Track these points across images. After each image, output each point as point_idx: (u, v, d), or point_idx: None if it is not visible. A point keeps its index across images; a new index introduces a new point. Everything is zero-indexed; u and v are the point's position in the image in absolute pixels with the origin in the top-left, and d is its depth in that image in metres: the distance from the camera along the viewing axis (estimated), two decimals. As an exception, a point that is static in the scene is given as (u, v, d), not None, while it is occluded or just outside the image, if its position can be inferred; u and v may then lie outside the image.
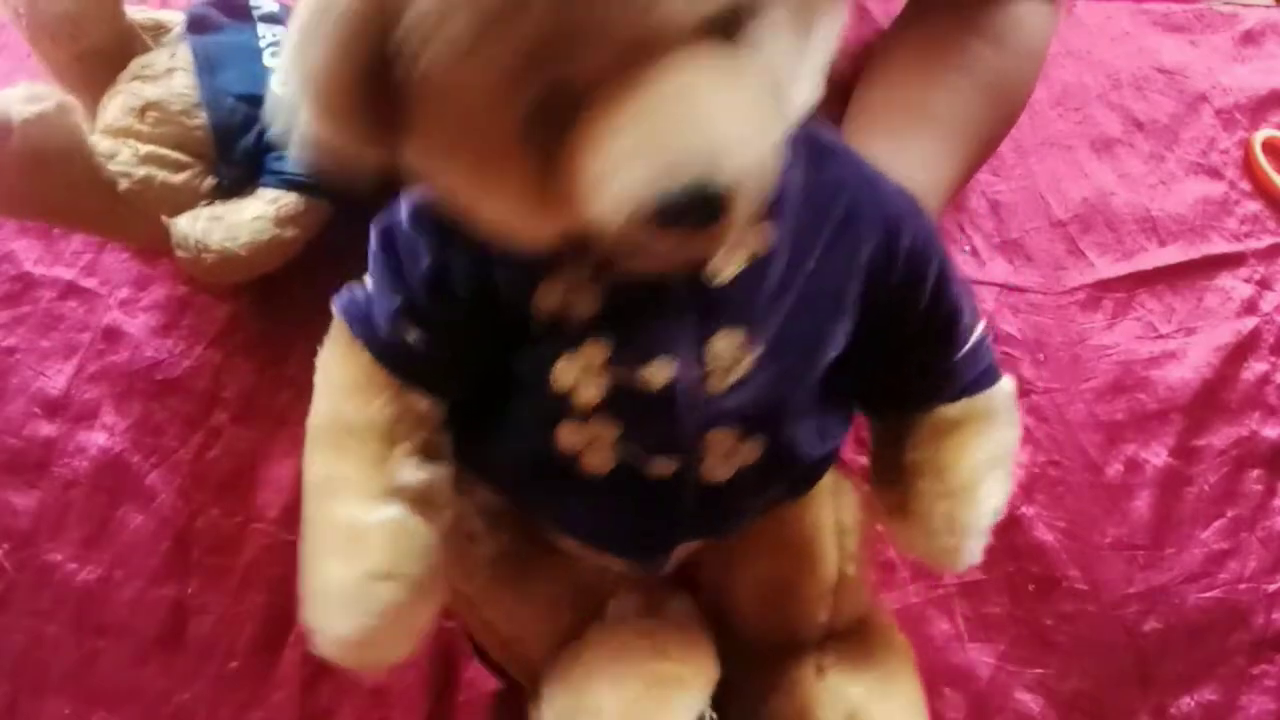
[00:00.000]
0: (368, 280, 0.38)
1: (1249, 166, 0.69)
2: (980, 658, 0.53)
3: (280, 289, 0.56)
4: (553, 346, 0.36)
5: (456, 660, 0.51)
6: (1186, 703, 0.53)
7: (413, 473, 0.38)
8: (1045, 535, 0.56)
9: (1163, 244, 0.66)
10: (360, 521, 0.37)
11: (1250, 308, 0.64)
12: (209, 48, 0.54)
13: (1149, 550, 0.56)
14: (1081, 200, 0.67)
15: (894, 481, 0.41)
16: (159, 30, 0.55)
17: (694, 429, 0.36)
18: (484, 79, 0.26)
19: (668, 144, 0.24)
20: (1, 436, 0.56)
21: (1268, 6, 0.77)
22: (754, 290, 0.34)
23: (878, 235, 0.36)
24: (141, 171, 0.51)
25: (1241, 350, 0.62)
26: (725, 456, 0.37)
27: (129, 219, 0.52)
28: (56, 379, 0.58)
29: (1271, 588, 0.56)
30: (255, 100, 0.53)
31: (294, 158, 0.45)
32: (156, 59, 0.53)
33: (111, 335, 0.59)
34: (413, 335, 0.37)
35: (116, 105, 0.52)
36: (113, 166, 0.50)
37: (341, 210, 0.54)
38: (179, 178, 0.52)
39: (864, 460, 0.45)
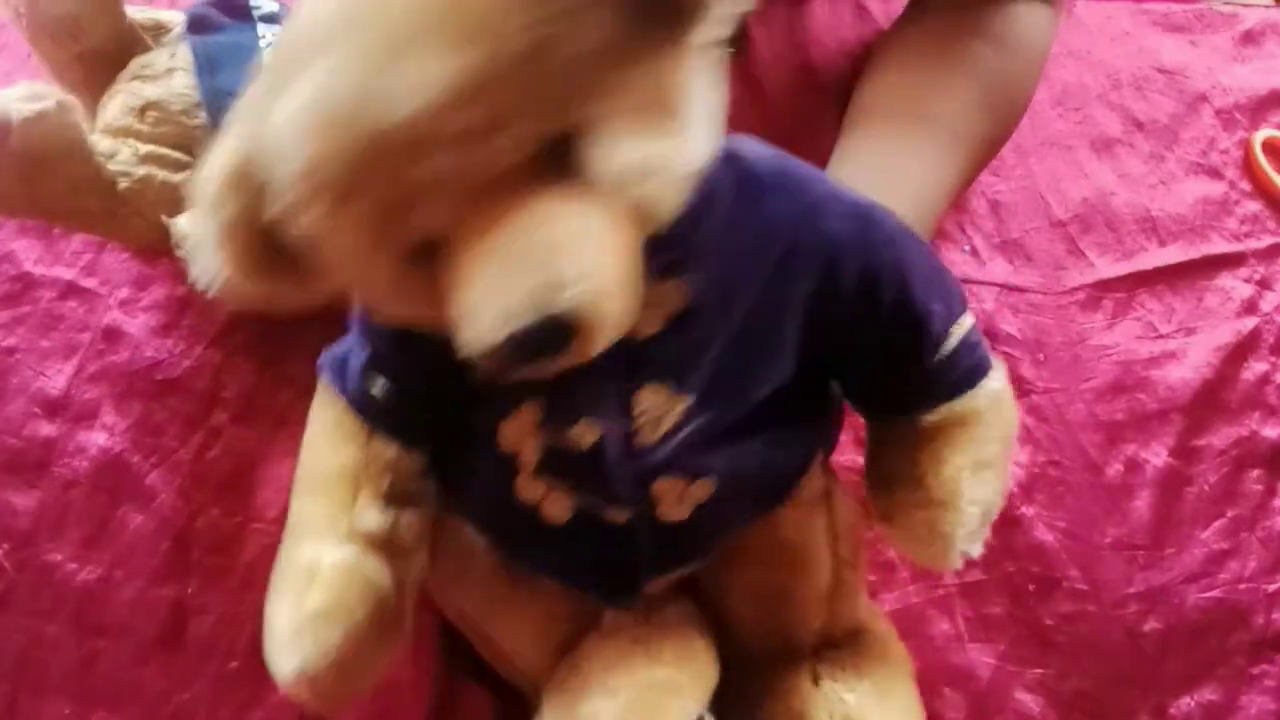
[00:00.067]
0: (351, 331, 0.40)
1: (1249, 166, 0.69)
2: (980, 658, 0.53)
3: (280, 289, 0.56)
4: (495, 407, 0.37)
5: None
6: (1186, 703, 0.53)
7: (375, 517, 0.39)
8: (1045, 535, 0.56)
9: (1163, 244, 0.66)
10: (315, 563, 0.39)
11: (1250, 308, 0.64)
12: (209, 48, 0.54)
13: (1149, 550, 0.56)
14: (1081, 200, 0.67)
15: (880, 488, 0.41)
16: (159, 30, 0.55)
17: (634, 482, 0.37)
18: (353, 240, 0.28)
19: (509, 285, 0.26)
20: (1, 436, 0.56)
21: (1268, 6, 0.77)
22: (679, 343, 0.35)
23: (819, 269, 0.36)
24: (141, 171, 0.51)
25: (1241, 350, 0.62)
26: (678, 500, 0.38)
27: (129, 219, 0.52)
28: (56, 379, 0.58)
29: (1271, 588, 0.56)
30: (255, 100, 0.53)
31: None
32: (156, 59, 0.53)
33: (111, 335, 0.59)
34: (379, 386, 0.39)
35: (116, 105, 0.52)
36: (113, 166, 0.50)
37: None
38: (179, 178, 0.52)
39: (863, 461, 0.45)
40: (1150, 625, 0.54)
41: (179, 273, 0.59)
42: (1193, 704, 0.53)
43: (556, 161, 0.27)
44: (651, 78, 0.28)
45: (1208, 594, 0.55)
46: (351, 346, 0.40)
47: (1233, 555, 0.56)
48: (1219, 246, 0.66)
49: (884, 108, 0.56)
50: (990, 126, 0.56)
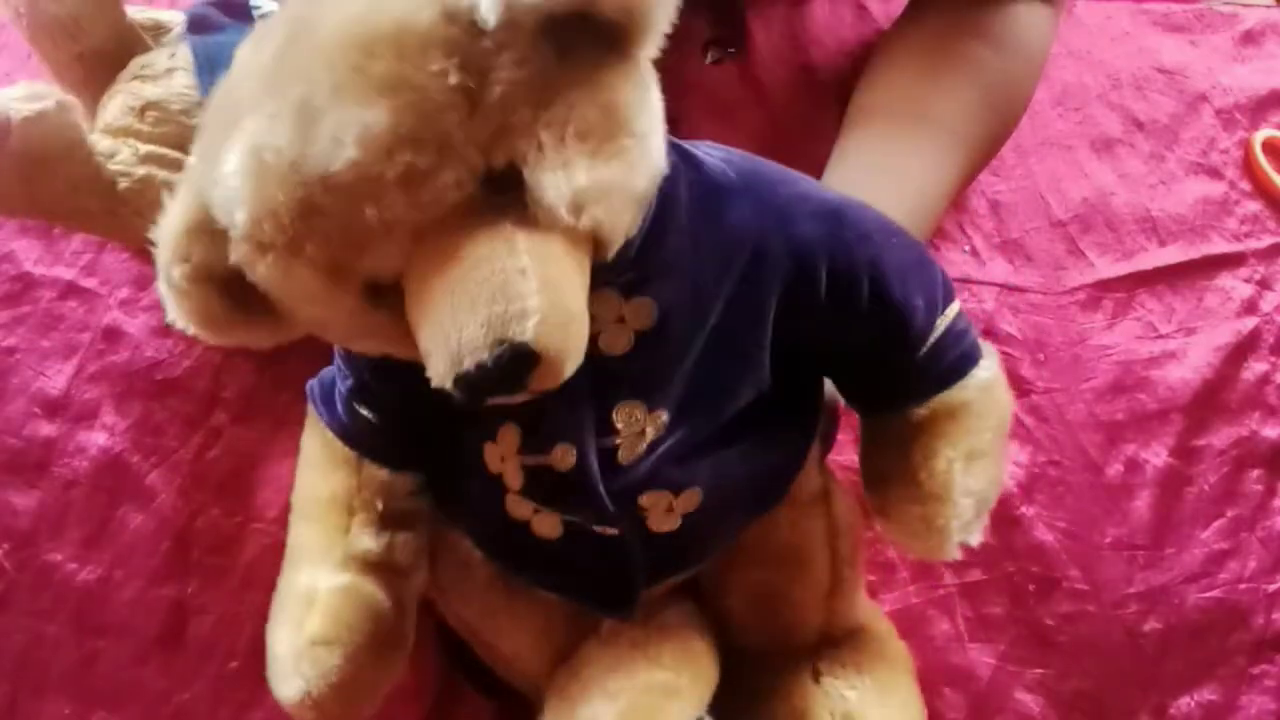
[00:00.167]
0: (336, 360, 0.41)
1: (1249, 166, 0.69)
2: (980, 658, 0.53)
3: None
4: (479, 432, 0.38)
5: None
6: (1186, 703, 0.53)
7: (370, 541, 0.40)
8: (1045, 535, 0.56)
9: (1163, 244, 0.66)
10: (313, 589, 0.39)
11: (1250, 308, 0.64)
12: (209, 48, 0.54)
13: (1149, 550, 0.56)
14: (1081, 200, 0.67)
15: (875, 483, 0.41)
16: (159, 30, 0.55)
17: (620, 498, 0.37)
18: (310, 285, 0.28)
19: (464, 320, 0.26)
20: (1, 436, 0.56)
21: (1268, 6, 0.77)
22: (650, 360, 0.35)
23: (789, 273, 0.35)
24: (141, 171, 0.51)
25: (1241, 350, 0.62)
26: (666, 512, 0.38)
27: (129, 219, 0.51)
28: (56, 379, 0.58)
29: (1271, 588, 0.56)
30: (255, 100, 0.53)
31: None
32: (156, 59, 0.53)
33: (111, 335, 0.59)
34: (364, 413, 0.39)
35: (116, 105, 0.52)
36: (113, 166, 0.50)
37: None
38: (179, 177, 0.52)
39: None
40: (1150, 625, 0.54)
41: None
42: (1193, 704, 0.53)
43: (504, 193, 0.27)
44: (593, 99, 0.27)
45: (1208, 594, 0.55)
46: (337, 374, 0.40)
47: (1233, 555, 0.56)
48: (1219, 246, 0.66)
49: (884, 108, 0.56)
50: (990, 126, 0.56)
